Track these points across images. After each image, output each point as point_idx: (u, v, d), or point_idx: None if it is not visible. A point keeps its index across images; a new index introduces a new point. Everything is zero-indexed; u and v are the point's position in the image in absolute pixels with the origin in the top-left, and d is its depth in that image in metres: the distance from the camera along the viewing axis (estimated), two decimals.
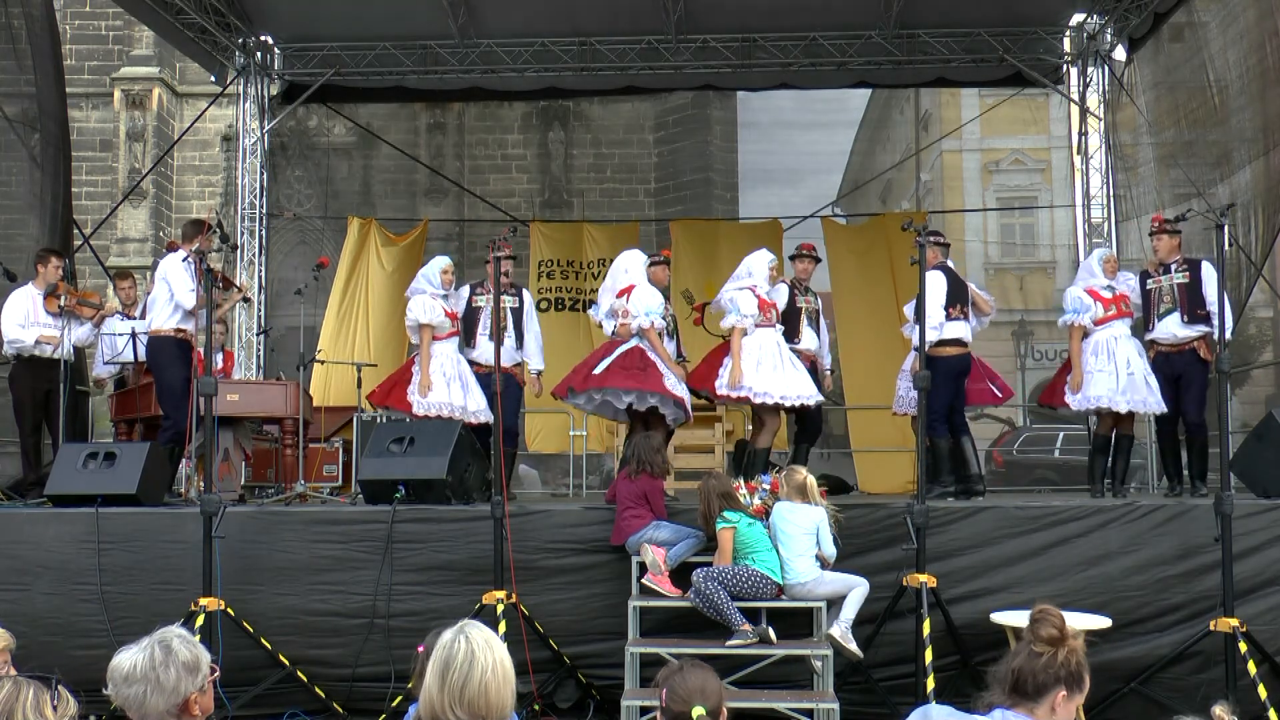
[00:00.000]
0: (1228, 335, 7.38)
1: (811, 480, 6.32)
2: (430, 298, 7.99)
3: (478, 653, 2.57)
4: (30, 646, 4.98)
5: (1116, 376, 7.81)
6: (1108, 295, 8.01)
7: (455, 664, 2.57)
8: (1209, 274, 7.68)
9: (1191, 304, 7.72)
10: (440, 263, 8.18)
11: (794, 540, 6.16)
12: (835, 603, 6.14)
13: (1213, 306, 7.56)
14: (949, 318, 7.66)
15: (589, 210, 20.86)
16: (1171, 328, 7.78)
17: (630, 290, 7.44)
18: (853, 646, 5.99)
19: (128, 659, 2.64)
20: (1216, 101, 10.27)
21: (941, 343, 7.67)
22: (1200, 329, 7.73)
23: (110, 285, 10.33)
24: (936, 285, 7.64)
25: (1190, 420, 7.84)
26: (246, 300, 10.31)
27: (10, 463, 8.85)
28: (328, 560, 6.74)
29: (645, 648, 6.04)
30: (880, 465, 11.62)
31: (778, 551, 6.17)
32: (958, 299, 7.82)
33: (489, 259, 7.32)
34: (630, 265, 7.60)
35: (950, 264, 8.15)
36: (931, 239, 7.97)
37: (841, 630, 5.98)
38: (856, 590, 6.13)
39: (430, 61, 12.66)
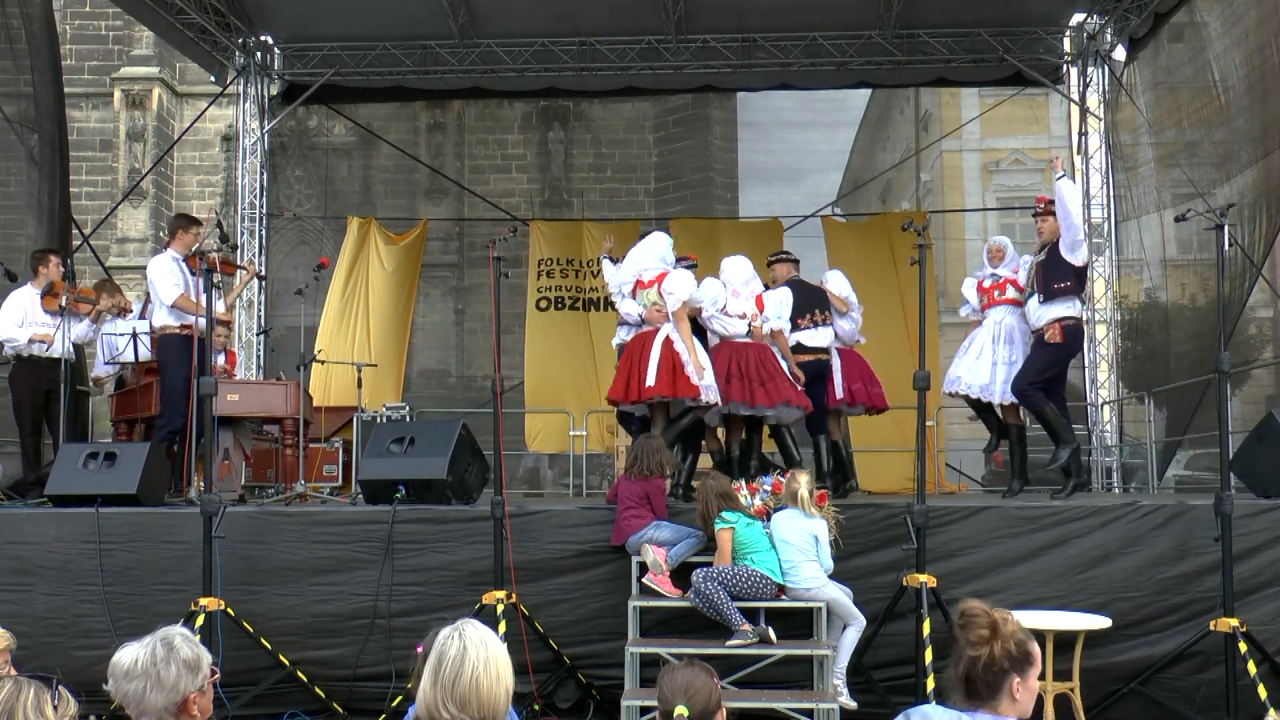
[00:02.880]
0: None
1: (804, 493, 6.27)
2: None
3: (470, 649, 2.57)
4: (31, 646, 4.98)
5: (963, 362, 8.03)
6: (988, 284, 8.12)
7: (447, 660, 2.57)
8: (1063, 243, 7.57)
9: (1047, 280, 7.55)
10: (667, 239, 7.62)
11: (793, 546, 6.16)
12: (832, 611, 6.15)
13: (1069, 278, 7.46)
14: (797, 327, 7.84)
15: (589, 210, 20.80)
16: (1032, 310, 7.69)
17: (759, 295, 7.59)
18: (845, 698, 6.03)
19: (129, 654, 2.64)
20: (1222, 101, 10.24)
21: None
22: (1056, 306, 7.49)
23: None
24: (780, 300, 7.81)
25: (1013, 388, 7.70)
26: (261, 278, 10.27)
27: (10, 463, 8.84)
28: (328, 560, 6.73)
29: (645, 648, 6.04)
30: (880, 464, 11.61)
31: (777, 552, 6.17)
32: (809, 308, 7.99)
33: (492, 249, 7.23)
34: (743, 271, 7.62)
35: (838, 273, 8.57)
36: (781, 256, 8.41)
37: (837, 684, 6.02)
38: (851, 631, 6.14)
39: (430, 61, 12.68)
